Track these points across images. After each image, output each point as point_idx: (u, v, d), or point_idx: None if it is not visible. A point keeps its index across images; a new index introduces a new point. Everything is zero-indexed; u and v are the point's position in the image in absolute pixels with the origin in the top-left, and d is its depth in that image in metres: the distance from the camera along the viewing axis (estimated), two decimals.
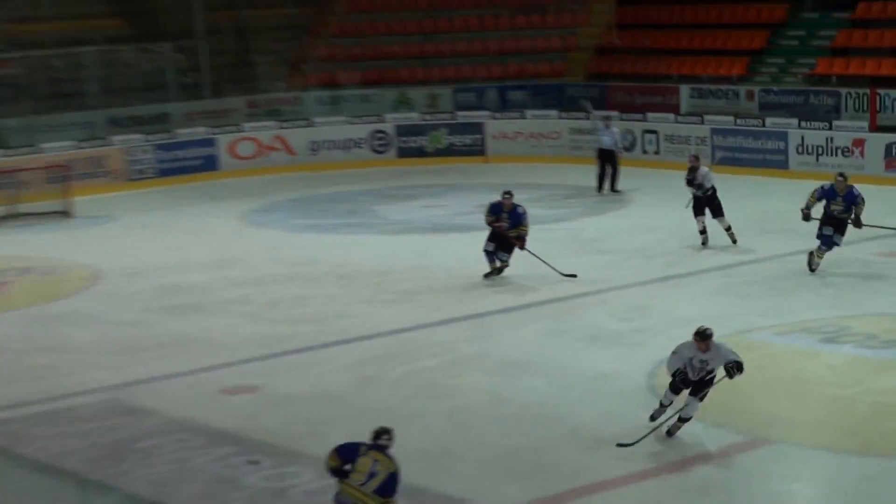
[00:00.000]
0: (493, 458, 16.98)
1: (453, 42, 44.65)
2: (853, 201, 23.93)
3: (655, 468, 16.71)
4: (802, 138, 36.95)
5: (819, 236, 24.25)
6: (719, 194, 27.46)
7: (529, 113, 42.40)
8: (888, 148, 35.83)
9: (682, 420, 16.41)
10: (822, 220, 24.44)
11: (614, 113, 38.98)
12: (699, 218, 27.18)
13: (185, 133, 40.83)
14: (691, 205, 27.51)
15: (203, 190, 37.90)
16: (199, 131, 41.01)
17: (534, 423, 18.29)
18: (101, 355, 21.96)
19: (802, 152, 36.70)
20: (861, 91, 37.48)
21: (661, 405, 16.71)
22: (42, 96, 40.63)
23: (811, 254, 24.46)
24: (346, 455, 12.33)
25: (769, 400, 19.13)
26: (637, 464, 16.85)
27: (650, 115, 40.67)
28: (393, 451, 16.03)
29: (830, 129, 37.08)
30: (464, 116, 42.53)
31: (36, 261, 29.67)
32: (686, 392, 16.40)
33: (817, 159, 36.83)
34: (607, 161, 35.18)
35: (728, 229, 27.33)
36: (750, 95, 39.81)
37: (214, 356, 21.76)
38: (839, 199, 23.89)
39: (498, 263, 24.78)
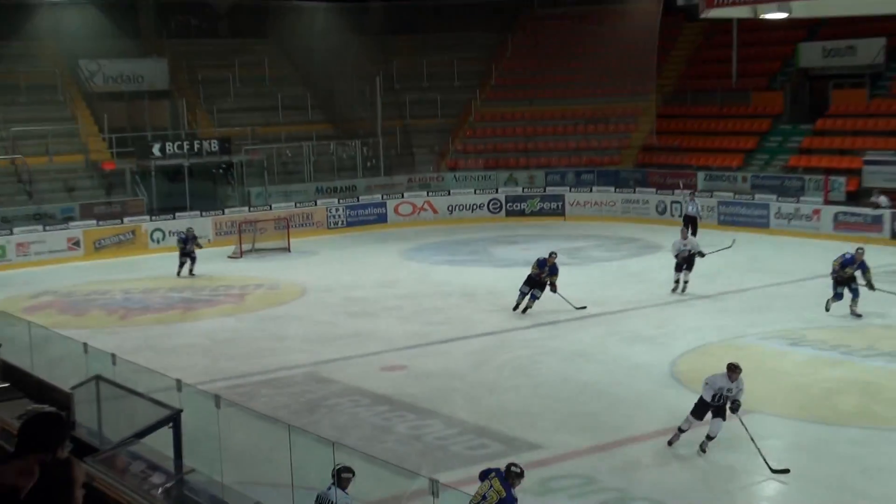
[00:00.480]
0: (563, 419, 17.20)
1: (546, 141, 44.49)
2: (864, 268, 23.10)
3: (674, 426, 16.48)
4: (779, 208, 36.41)
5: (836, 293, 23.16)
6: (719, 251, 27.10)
7: (595, 188, 42.02)
8: (835, 216, 35.29)
9: (710, 438, 15.08)
10: (838, 281, 23.24)
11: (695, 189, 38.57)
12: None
13: (365, 198, 41.12)
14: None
15: (375, 236, 38.06)
16: (376, 197, 41.25)
17: (591, 395, 18.32)
18: (304, 343, 22.44)
19: (779, 217, 36.14)
20: (818, 177, 36.94)
21: (681, 430, 15.24)
22: (276, 174, 41.03)
23: (829, 301, 23.29)
24: (481, 477, 11.24)
25: (752, 383, 18.83)
26: (660, 425, 16.67)
27: (676, 191, 39.99)
28: (502, 427, 16.19)
29: (798, 202, 36.48)
30: (551, 190, 42.26)
31: (266, 280, 29.93)
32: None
33: (789, 222, 36.18)
34: (690, 224, 33.91)
35: (686, 281, 26.31)
36: (744, 179, 39.28)
37: (378, 345, 22.09)
38: (855, 265, 22.97)
39: (528, 300, 24.06)
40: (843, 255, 23.40)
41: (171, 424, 11.13)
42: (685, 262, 25.75)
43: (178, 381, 13.21)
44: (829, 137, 39.65)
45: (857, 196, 36.24)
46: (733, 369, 15.11)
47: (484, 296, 26.86)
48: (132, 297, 27.99)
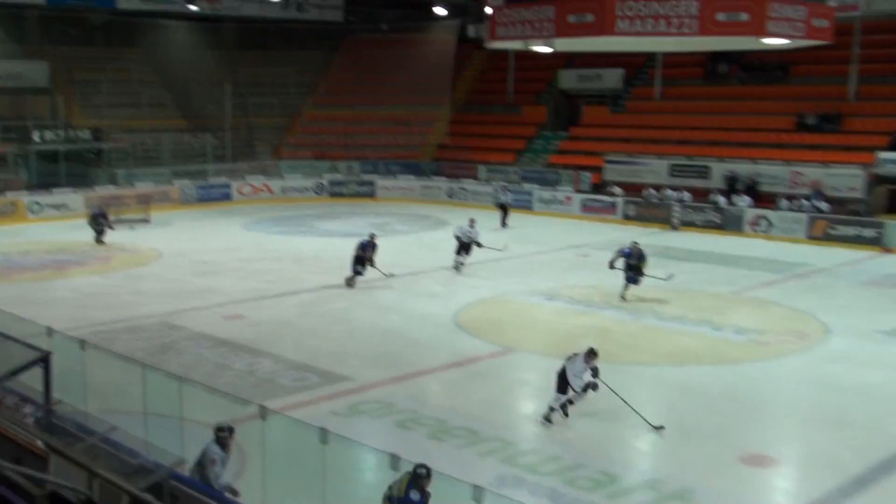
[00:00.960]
0: (369, 357, 17.14)
1: (362, 139, 44.21)
2: (641, 258, 21.72)
3: (455, 362, 16.62)
4: (541, 195, 36.95)
5: (627, 277, 21.46)
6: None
7: (399, 176, 42.00)
8: (583, 201, 36.07)
9: (571, 402, 13.80)
10: (626, 268, 21.48)
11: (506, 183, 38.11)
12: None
13: (214, 180, 39.94)
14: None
15: (221, 211, 37.03)
16: (222, 179, 40.06)
17: (391, 338, 18.31)
18: (158, 297, 21.62)
19: (541, 202, 36.67)
20: (571, 172, 37.72)
21: (552, 408, 13.68)
22: (137, 159, 39.79)
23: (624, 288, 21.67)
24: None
25: (516, 328, 19.20)
26: (444, 360, 16.74)
27: (463, 180, 40.44)
28: (321, 364, 15.93)
29: (555, 190, 37.14)
30: (365, 177, 42.04)
31: (129, 245, 28.67)
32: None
33: (548, 205, 36.67)
34: (504, 210, 33.65)
35: (462, 263, 24.78)
36: (516, 172, 39.81)
37: (221, 298, 21.49)
38: (633, 257, 21.52)
39: (358, 276, 22.73)
40: (621, 248, 22.01)
41: (41, 364, 10.66)
42: (465, 247, 24.89)
43: (49, 328, 12.91)
44: (580, 142, 40.54)
45: (599, 187, 37.19)
46: (594, 354, 13.91)
47: (309, 260, 26.48)
48: (11, 259, 26.52)
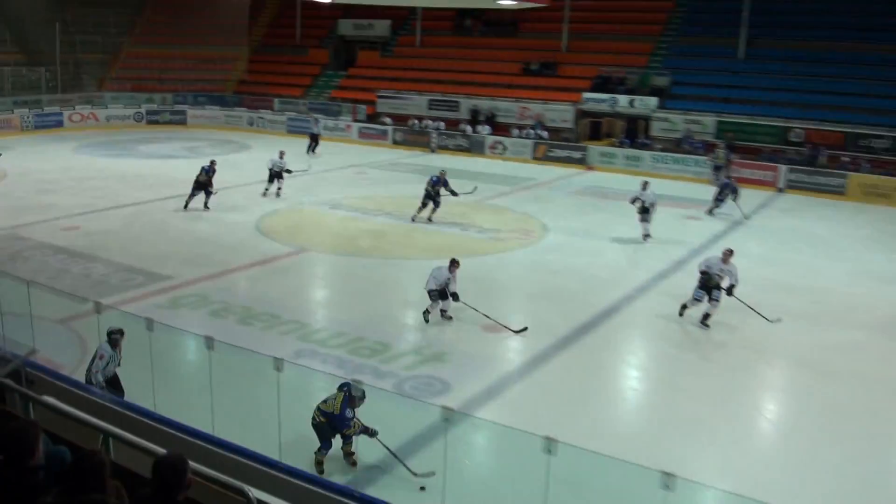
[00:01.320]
0: (186, 258, 16.65)
1: (175, 73, 41.94)
2: (445, 183, 20.07)
3: (259, 261, 16.39)
4: (325, 123, 36.33)
5: (435, 202, 20.12)
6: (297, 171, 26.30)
7: (207, 107, 40.30)
8: (360, 129, 35.91)
9: (446, 310, 13.15)
10: (434, 194, 20.10)
11: (320, 115, 36.89)
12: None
13: (49, 109, 36.81)
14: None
15: (55, 136, 34.38)
16: (56, 108, 37.04)
17: (204, 243, 17.84)
18: (5, 212, 20.01)
19: (326, 129, 35.78)
20: (349, 105, 37.43)
21: (429, 311, 12.99)
22: None
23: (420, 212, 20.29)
24: (339, 388, 8.46)
25: (308, 232, 19.10)
26: (250, 259, 16.51)
27: (260, 110, 39.36)
28: (145, 266, 15.27)
29: (337, 119, 36.75)
30: (178, 107, 40.07)
31: None
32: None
33: (332, 132, 35.98)
34: (315, 139, 32.11)
35: (279, 188, 23.24)
36: (304, 105, 39.08)
37: (59, 212, 20.20)
38: (440, 182, 19.98)
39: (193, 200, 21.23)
40: (431, 176, 20.65)
41: None
42: (277, 175, 23.34)
43: None
44: (357, 80, 40.04)
45: (373, 117, 37.12)
46: (456, 264, 13.05)
47: (132, 178, 25.04)
48: None
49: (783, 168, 27.53)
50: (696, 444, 9.52)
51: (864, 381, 11.57)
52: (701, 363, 12.19)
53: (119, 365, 9.26)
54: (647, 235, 19.14)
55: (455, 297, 12.97)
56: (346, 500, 6.42)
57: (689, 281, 14.06)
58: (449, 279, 12.95)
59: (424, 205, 20.30)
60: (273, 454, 7.12)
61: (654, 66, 34.24)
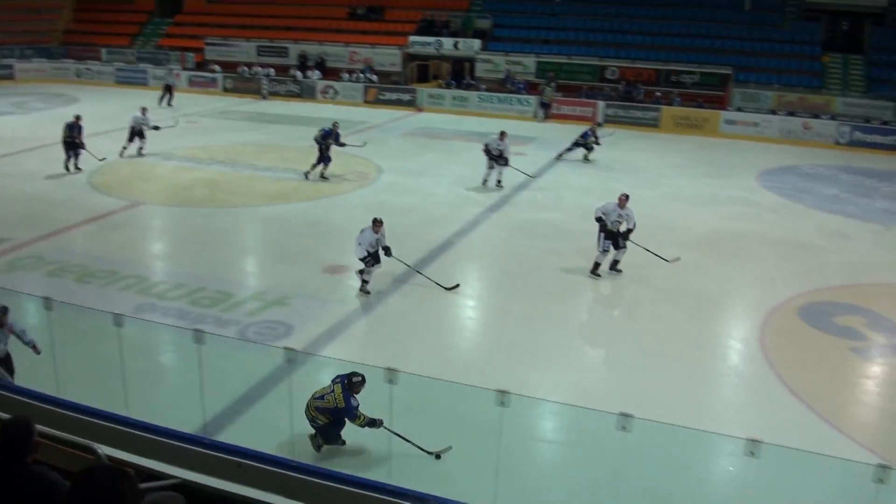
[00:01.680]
0: (20, 219, 15.43)
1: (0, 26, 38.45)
2: (336, 137, 18.92)
3: (93, 217, 15.43)
4: (155, 73, 34.47)
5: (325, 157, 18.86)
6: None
7: (34, 60, 37.31)
8: (190, 77, 34.19)
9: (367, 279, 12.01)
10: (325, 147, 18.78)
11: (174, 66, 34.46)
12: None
13: None
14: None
15: None
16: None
17: (36, 202, 16.64)
18: None
19: (155, 79, 34.10)
20: (178, 53, 35.64)
21: (366, 280, 11.93)
22: None
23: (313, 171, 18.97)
24: (332, 381, 7.60)
25: (140, 185, 18.17)
26: (85, 216, 15.56)
27: (88, 61, 36.65)
28: (8, 240, 14.02)
29: (167, 68, 34.91)
30: (4, 62, 36.91)
31: None
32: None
33: (160, 81, 34.18)
34: (170, 91, 29.74)
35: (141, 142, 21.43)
36: (132, 54, 36.88)
37: None
38: (332, 135, 18.94)
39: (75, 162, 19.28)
40: (323, 128, 19.11)
41: None
42: (138, 133, 21.02)
43: None
44: (184, 27, 38.27)
45: (202, 65, 35.56)
46: (380, 222, 11.89)
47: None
48: None
49: (601, 104, 28.68)
50: (528, 364, 9.89)
51: (682, 292, 12.40)
52: (530, 288, 12.61)
53: (6, 344, 8.43)
54: (499, 182, 18.59)
55: (388, 251, 11.94)
56: (188, 445, 6.24)
57: (517, 213, 14.41)
58: (378, 238, 11.88)
59: (320, 161, 18.96)
60: (120, 410, 6.81)
61: (475, 10, 34.44)
